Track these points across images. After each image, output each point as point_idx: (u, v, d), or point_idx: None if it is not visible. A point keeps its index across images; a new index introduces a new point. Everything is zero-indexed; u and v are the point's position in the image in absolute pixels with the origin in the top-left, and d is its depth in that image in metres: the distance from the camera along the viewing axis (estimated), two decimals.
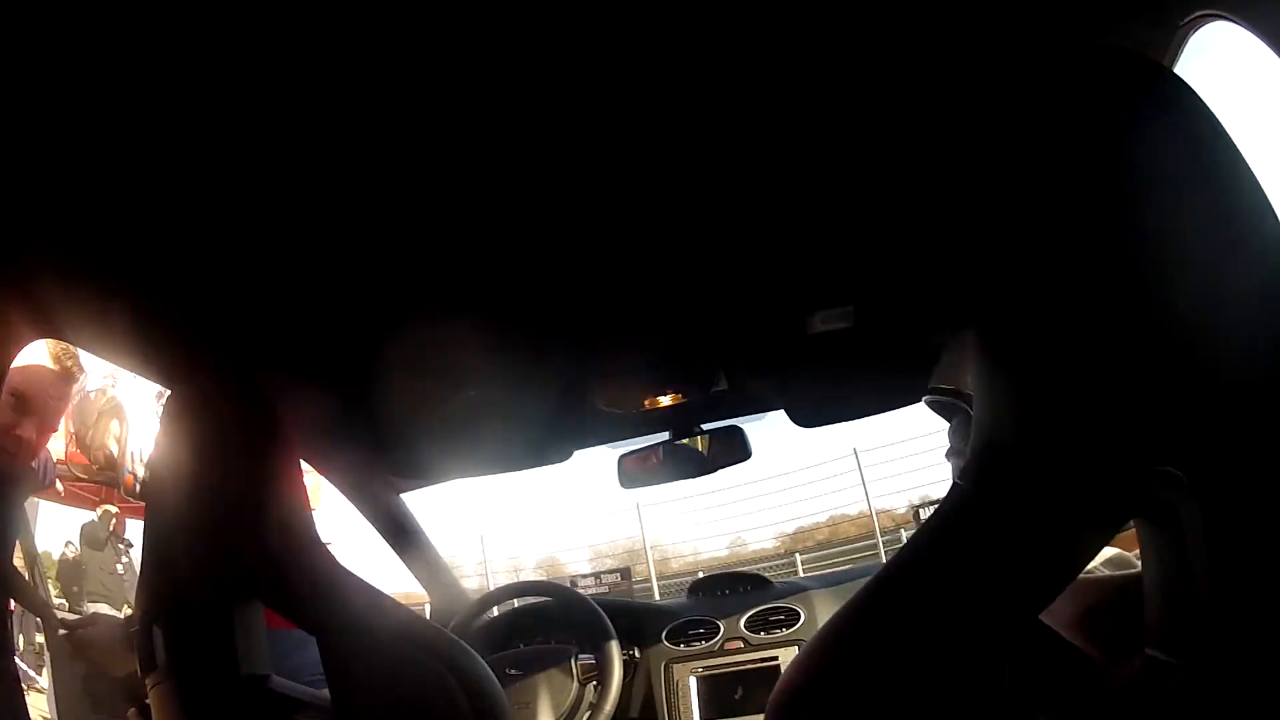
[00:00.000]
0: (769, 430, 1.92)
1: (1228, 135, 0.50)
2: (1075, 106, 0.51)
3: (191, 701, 0.89)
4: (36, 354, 1.28)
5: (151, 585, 0.93)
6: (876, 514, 9.78)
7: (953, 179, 0.68)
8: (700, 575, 2.13)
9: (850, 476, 10.36)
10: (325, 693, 0.87)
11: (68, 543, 5.80)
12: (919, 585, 0.56)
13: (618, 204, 0.97)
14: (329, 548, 0.92)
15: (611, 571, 9.78)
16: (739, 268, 1.17)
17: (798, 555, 9.97)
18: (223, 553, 0.88)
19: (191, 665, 0.89)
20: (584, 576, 9.83)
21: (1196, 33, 0.84)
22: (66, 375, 1.33)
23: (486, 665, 0.91)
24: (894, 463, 10.21)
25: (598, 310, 1.23)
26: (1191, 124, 0.50)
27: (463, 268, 1.06)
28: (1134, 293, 0.49)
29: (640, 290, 1.19)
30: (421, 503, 2.04)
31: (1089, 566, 0.82)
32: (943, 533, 0.56)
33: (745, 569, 2.10)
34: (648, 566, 10.08)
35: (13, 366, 1.10)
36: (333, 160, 0.81)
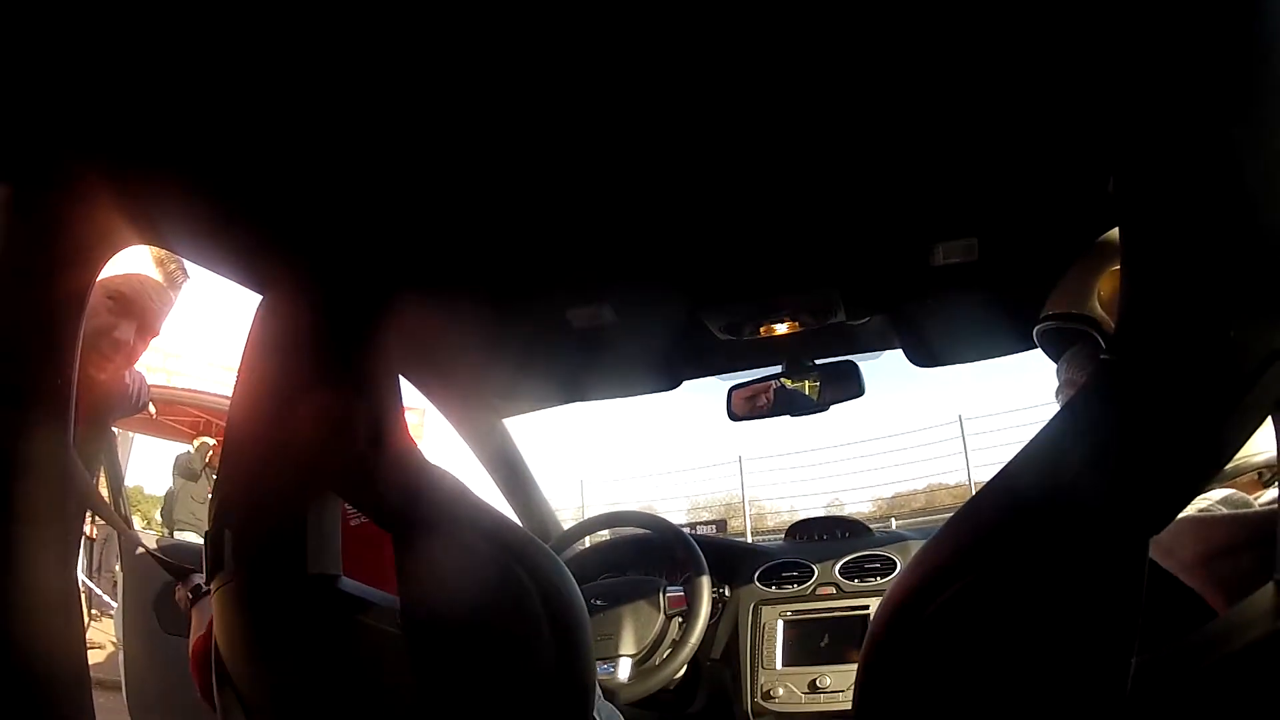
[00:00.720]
0: (877, 387, 1.83)
1: None
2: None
3: (254, 600, 0.87)
4: (139, 258, 1.24)
5: (224, 488, 0.92)
6: (975, 485, 9.45)
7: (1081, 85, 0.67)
8: (820, 515, 2.07)
9: (952, 444, 10.06)
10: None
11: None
12: (1047, 478, 0.55)
13: (738, 125, 0.92)
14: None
15: (707, 523, 9.84)
16: (858, 194, 1.11)
17: (894, 520, 9.81)
18: (303, 453, 0.85)
19: (258, 563, 0.87)
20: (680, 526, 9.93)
21: None
22: (170, 279, 1.28)
23: (570, 575, 0.84)
24: (998, 432, 9.81)
25: (715, 232, 1.18)
26: None
27: (578, 185, 1.03)
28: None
29: (759, 214, 1.14)
30: (522, 444, 2.05)
31: (1205, 506, 0.83)
32: (1085, 405, 0.55)
33: (844, 516, 2.04)
34: (744, 521, 10.09)
35: (115, 270, 1.13)
36: (450, 71, 0.79)
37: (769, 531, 9.95)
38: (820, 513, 10.57)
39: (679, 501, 11.64)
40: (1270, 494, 0.86)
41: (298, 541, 0.84)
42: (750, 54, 0.80)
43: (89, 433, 1.25)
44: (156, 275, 1.26)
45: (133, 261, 1.22)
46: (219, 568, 0.88)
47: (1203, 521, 0.77)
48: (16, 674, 0.75)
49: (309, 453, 0.85)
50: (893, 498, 10.87)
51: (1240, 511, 0.79)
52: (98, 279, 0.89)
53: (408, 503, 0.82)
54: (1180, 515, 0.77)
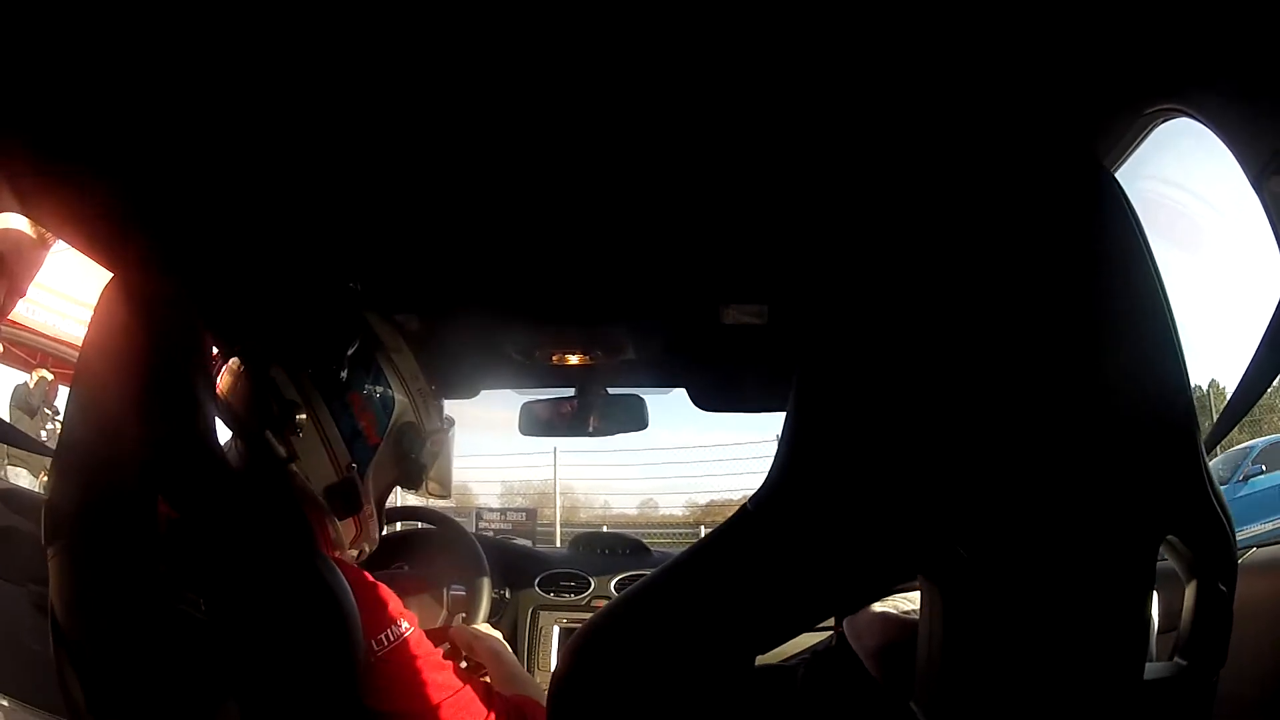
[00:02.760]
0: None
1: (1138, 239, 0.53)
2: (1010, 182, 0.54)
3: (81, 570, 0.93)
4: (12, 220, 1.23)
5: (63, 457, 0.96)
6: None
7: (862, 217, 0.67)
8: (604, 530, 2.18)
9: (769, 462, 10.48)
10: None
11: None
12: (685, 589, 0.58)
13: (561, 174, 1.01)
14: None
15: (518, 510, 9.79)
16: (657, 251, 1.22)
17: (703, 528, 10.10)
18: (135, 440, 0.90)
19: (86, 537, 0.92)
20: (491, 510, 9.82)
21: (1165, 124, 0.88)
22: (42, 241, 1.27)
23: (339, 574, 0.94)
24: None
25: (516, 263, 1.27)
26: (1113, 218, 0.53)
27: (393, 201, 1.09)
28: (966, 373, 0.51)
29: (563, 253, 1.23)
30: None
31: (901, 605, 0.87)
32: (718, 545, 0.58)
33: (628, 533, 2.16)
34: (555, 511, 10.16)
35: None
36: (319, 71, 0.83)
37: (581, 525, 10.00)
38: (633, 512, 10.83)
39: (493, 486, 11.51)
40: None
41: (119, 530, 0.91)
42: (568, 105, 0.88)
43: None
44: (30, 236, 1.25)
45: (6, 220, 1.20)
46: (56, 536, 0.93)
47: (884, 617, 0.83)
48: None
49: (139, 438, 0.91)
50: (707, 505, 11.05)
51: (909, 615, 0.85)
52: None
53: (204, 503, 0.92)
54: (871, 607, 0.87)
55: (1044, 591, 0.51)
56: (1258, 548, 1.10)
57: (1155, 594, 0.85)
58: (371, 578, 1.06)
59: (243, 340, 1.08)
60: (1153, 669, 0.56)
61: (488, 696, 1.06)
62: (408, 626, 1.04)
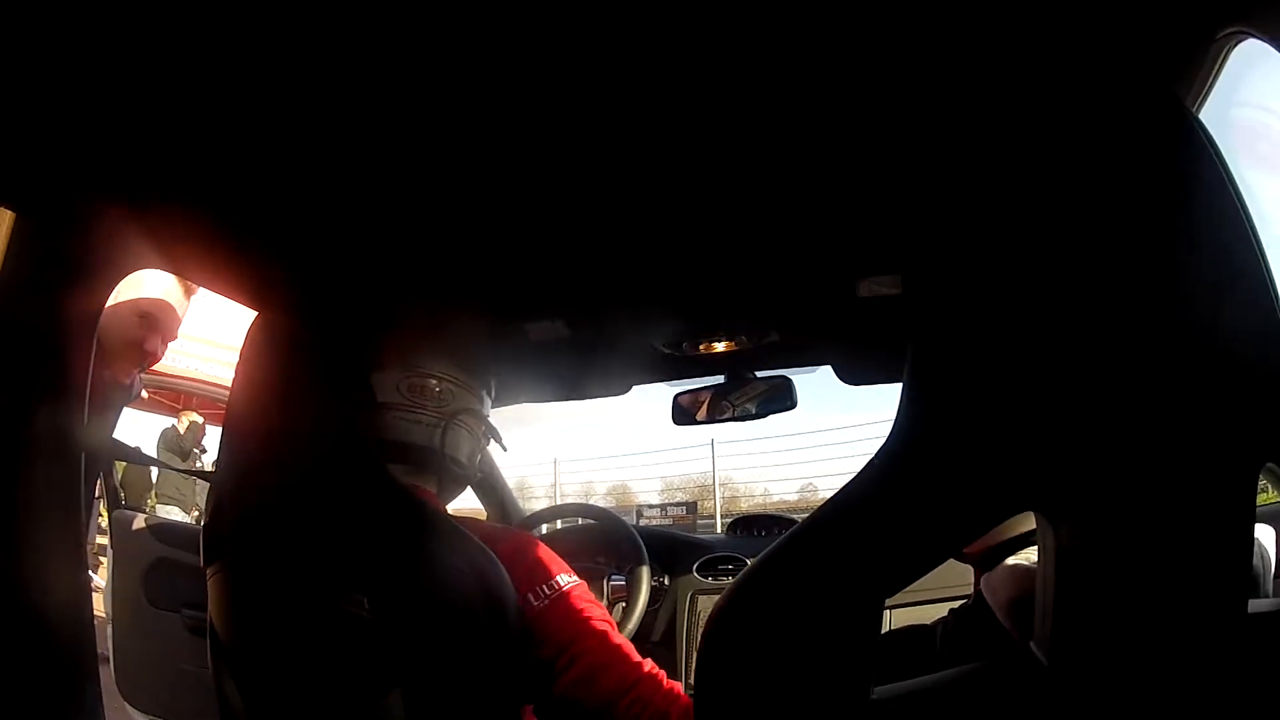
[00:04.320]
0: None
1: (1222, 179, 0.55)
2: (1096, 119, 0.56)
3: (244, 586, 1.02)
4: (161, 277, 1.39)
5: (221, 484, 1.07)
6: None
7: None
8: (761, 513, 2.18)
9: None
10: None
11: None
12: (817, 539, 0.60)
13: (688, 161, 1.04)
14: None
15: (679, 505, 9.91)
16: (789, 230, 1.23)
17: None
18: (289, 455, 1.01)
19: (249, 553, 1.01)
20: (650, 507, 10.03)
21: (1239, 46, 0.85)
22: (188, 290, 1.44)
23: (499, 562, 1.01)
24: None
25: (658, 260, 1.31)
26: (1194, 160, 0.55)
27: (539, 216, 1.14)
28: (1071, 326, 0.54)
29: (702, 244, 1.27)
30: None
31: (1034, 557, 0.88)
32: (845, 498, 0.60)
33: (786, 514, 2.17)
34: (714, 503, 10.18)
35: (144, 292, 1.31)
36: (413, 95, 0.87)
37: (741, 514, 9.92)
38: (794, 497, 10.66)
39: (653, 483, 11.72)
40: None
41: (277, 542, 1.00)
42: (695, 105, 0.91)
43: (99, 422, 1.38)
44: (178, 289, 1.42)
45: (158, 282, 1.39)
46: (216, 555, 1.02)
47: (1016, 569, 0.87)
48: (32, 652, 0.86)
49: (294, 455, 1.00)
50: None
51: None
52: (129, 298, 1.03)
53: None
54: (1005, 561, 0.90)
55: (1148, 524, 0.54)
56: None
57: (1274, 533, 0.85)
58: (527, 536, 1.13)
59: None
60: (1261, 603, 0.57)
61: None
62: (569, 580, 1.09)
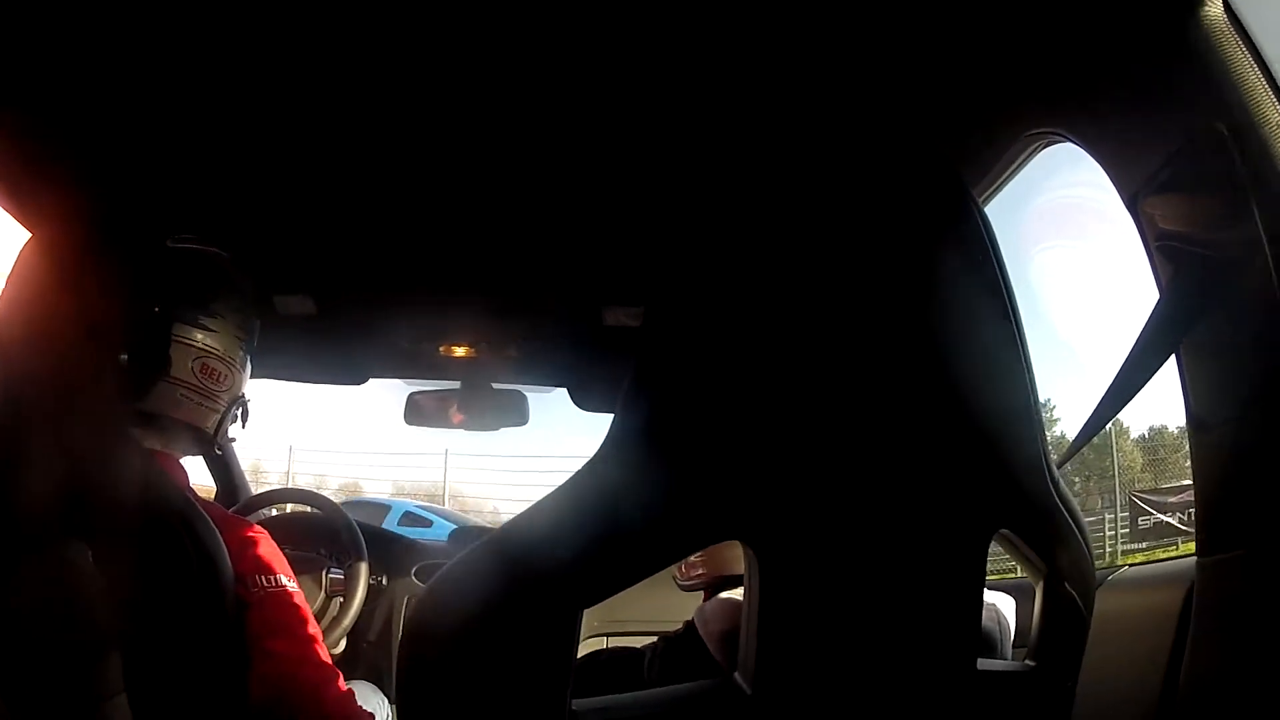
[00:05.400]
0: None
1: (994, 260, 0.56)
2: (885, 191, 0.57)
3: None
4: None
5: None
6: None
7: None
8: (486, 525, 2.21)
9: None
10: None
11: None
12: (526, 545, 0.57)
13: (455, 166, 1.07)
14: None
15: None
16: (543, 251, 1.29)
17: None
18: (35, 398, 0.93)
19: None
20: None
21: (1048, 149, 0.92)
22: None
23: (222, 541, 0.99)
24: None
25: (415, 252, 1.33)
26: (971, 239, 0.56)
27: (309, 174, 1.12)
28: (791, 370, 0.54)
29: (456, 244, 1.30)
30: None
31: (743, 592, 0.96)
32: (552, 503, 0.58)
33: None
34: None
35: None
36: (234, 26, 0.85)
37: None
38: None
39: (384, 485, 11.65)
40: None
41: (13, 476, 0.92)
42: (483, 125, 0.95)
43: None
44: None
45: None
46: None
47: (730, 603, 0.88)
48: None
49: (42, 398, 0.93)
50: None
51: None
52: None
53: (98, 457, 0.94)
54: (720, 594, 0.92)
55: (856, 568, 0.54)
56: (1129, 566, 1.13)
57: (1014, 603, 0.88)
58: (260, 530, 1.09)
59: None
60: (991, 662, 0.59)
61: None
62: (291, 583, 1.08)
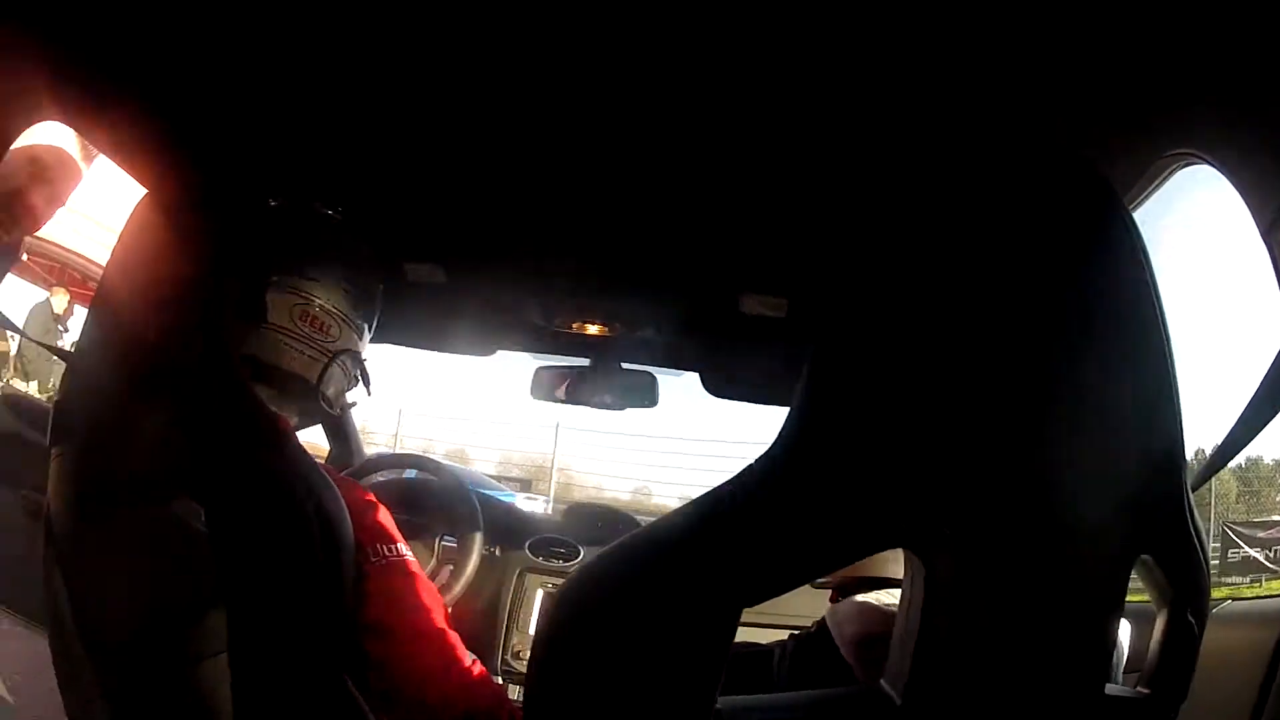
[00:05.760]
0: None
1: (1150, 285, 0.55)
2: (1029, 209, 0.56)
3: (82, 474, 0.96)
4: (60, 131, 1.27)
5: (78, 364, 1.00)
6: None
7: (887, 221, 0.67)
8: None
9: None
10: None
11: None
12: (689, 543, 0.57)
13: (598, 142, 1.05)
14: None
15: (512, 480, 9.85)
16: (682, 232, 1.26)
17: None
18: (146, 356, 0.95)
19: (92, 446, 0.96)
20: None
21: (1182, 170, 0.90)
22: (87, 154, 1.30)
23: (345, 506, 0.98)
24: None
25: (548, 225, 1.31)
26: (1122, 265, 0.55)
27: (451, 144, 1.11)
28: (973, 381, 0.54)
29: (593, 221, 1.28)
30: None
31: (883, 599, 0.90)
32: (709, 504, 0.58)
33: (627, 513, 2.19)
34: (550, 485, 10.11)
35: (37, 139, 1.14)
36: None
37: (571, 502, 10.02)
38: (626, 496, 10.80)
39: (491, 453, 11.50)
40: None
41: (125, 433, 0.94)
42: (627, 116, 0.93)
43: None
44: (75, 148, 1.26)
45: (54, 134, 1.21)
46: (60, 439, 0.96)
47: (866, 606, 0.88)
48: None
49: (153, 356, 0.94)
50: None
51: (890, 608, 0.87)
52: (20, 145, 0.93)
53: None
54: (855, 597, 0.91)
55: (1017, 584, 0.54)
56: (1232, 600, 1.13)
57: (1130, 628, 0.88)
58: (373, 498, 1.09)
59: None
60: (1115, 688, 0.58)
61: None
62: (408, 552, 1.07)
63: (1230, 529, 7.68)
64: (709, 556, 0.55)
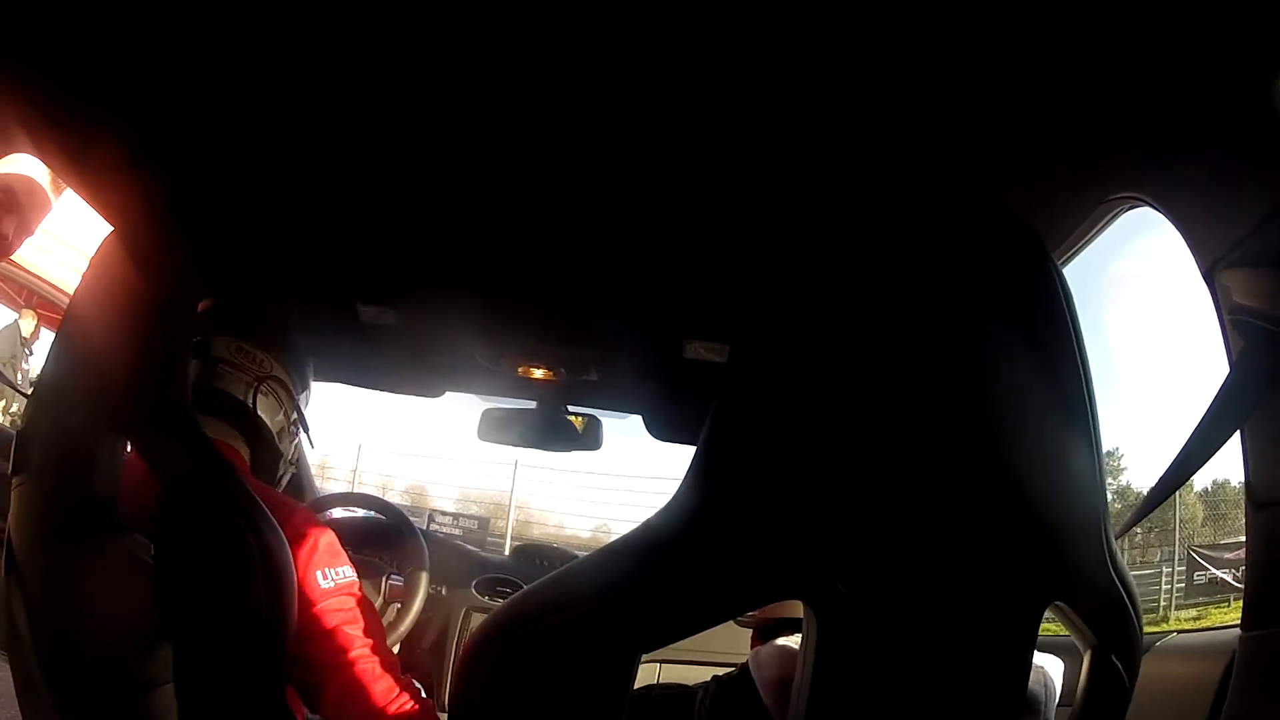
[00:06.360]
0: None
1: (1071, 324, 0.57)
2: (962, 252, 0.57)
3: (42, 506, 0.99)
4: (27, 160, 1.26)
5: (41, 396, 1.02)
6: None
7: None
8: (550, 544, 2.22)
9: None
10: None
11: None
12: (584, 581, 0.59)
13: (542, 189, 1.07)
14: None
15: (471, 517, 9.82)
16: (626, 279, 1.28)
17: None
18: (108, 389, 0.98)
19: (51, 475, 0.99)
20: (443, 514, 9.88)
21: (1127, 213, 0.92)
22: (56, 185, 1.29)
23: (284, 538, 1.01)
24: None
25: (499, 271, 1.33)
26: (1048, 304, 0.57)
27: (402, 188, 1.13)
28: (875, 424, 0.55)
29: (539, 266, 1.29)
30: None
31: (799, 638, 0.95)
32: (620, 550, 0.59)
33: (575, 550, 2.20)
34: (507, 523, 10.10)
35: (6, 169, 1.18)
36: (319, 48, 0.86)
37: (531, 540, 9.95)
38: (586, 534, 10.71)
39: (450, 489, 11.61)
40: None
41: (86, 465, 0.97)
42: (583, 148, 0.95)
43: None
44: (46, 177, 1.29)
45: (24, 165, 1.25)
46: (22, 468, 0.99)
47: (786, 650, 0.88)
48: None
49: (114, 388, 0.98)
50: None
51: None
52: None
53: (168, 450, 1.00)
54: (776, 641, 0.91)
55: (913, 634, 0.55)
56: (1177, 634, 1.13)
57: (1061, 665, 0.88)
58: (319, 520, 1.15)
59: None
60: None
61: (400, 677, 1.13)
62: (353, 575, 1.13)
63: (1195, 552, 7.76)
64: (607, 601, 0.56)
